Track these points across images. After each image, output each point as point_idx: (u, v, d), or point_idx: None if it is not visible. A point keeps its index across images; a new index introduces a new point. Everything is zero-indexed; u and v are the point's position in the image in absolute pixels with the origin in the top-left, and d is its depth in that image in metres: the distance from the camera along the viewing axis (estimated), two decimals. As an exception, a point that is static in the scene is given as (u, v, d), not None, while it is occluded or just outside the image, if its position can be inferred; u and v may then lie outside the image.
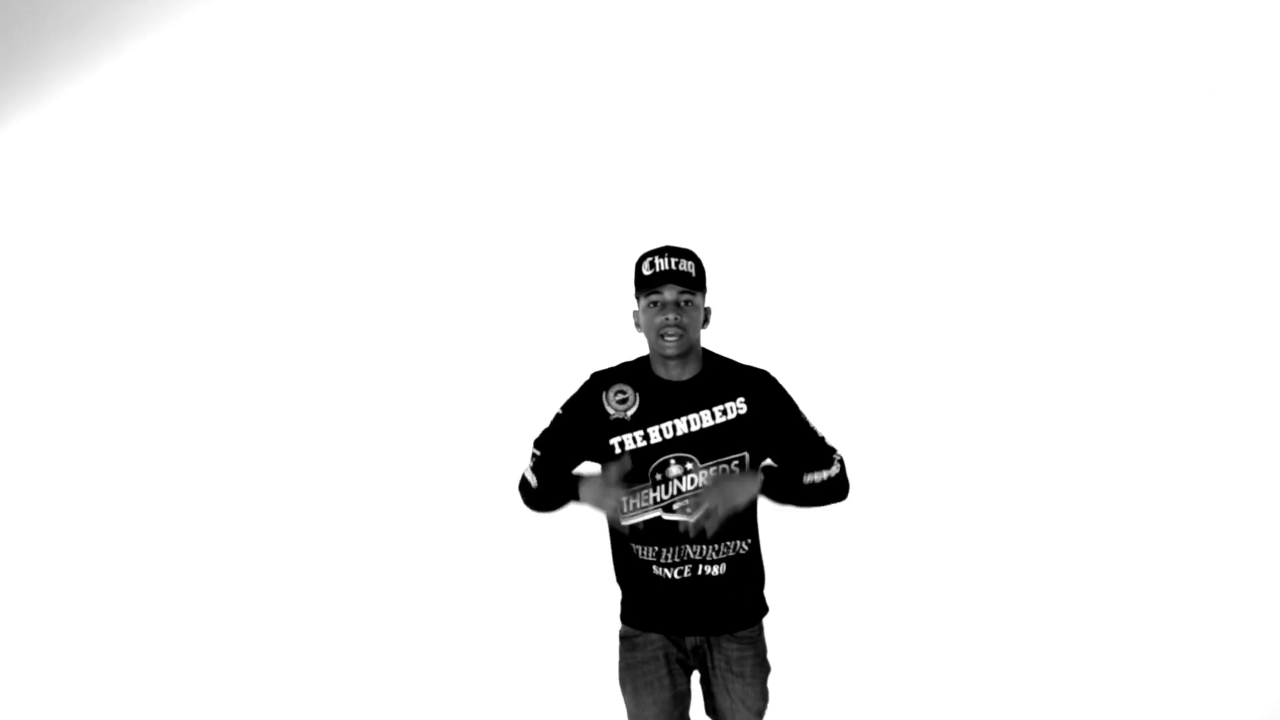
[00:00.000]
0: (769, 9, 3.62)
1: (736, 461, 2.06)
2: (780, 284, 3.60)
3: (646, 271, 2.03)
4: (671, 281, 2.00)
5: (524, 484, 2.17)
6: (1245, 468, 3.46)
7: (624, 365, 2.15)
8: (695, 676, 2.25)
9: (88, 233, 3.91)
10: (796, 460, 2.11)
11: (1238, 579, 3.37)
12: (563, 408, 2.15)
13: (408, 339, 3.78)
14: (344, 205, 3.80)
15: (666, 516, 2.06)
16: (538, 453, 2.15)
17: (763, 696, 2.22)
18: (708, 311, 2.13)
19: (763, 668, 2.21)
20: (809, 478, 2.10)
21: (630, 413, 2.07)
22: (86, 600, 3.68)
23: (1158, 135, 3.50)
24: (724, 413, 2.06)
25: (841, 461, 2.15)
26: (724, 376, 2.10)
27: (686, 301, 2.02)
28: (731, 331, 2.37)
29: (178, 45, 3.85)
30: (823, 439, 2.15)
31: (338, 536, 3.77)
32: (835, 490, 2.13)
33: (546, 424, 2.16)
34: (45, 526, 3.87)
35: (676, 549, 2.07)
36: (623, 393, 2.09)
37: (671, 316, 1.99)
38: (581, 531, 3.61)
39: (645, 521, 2.07)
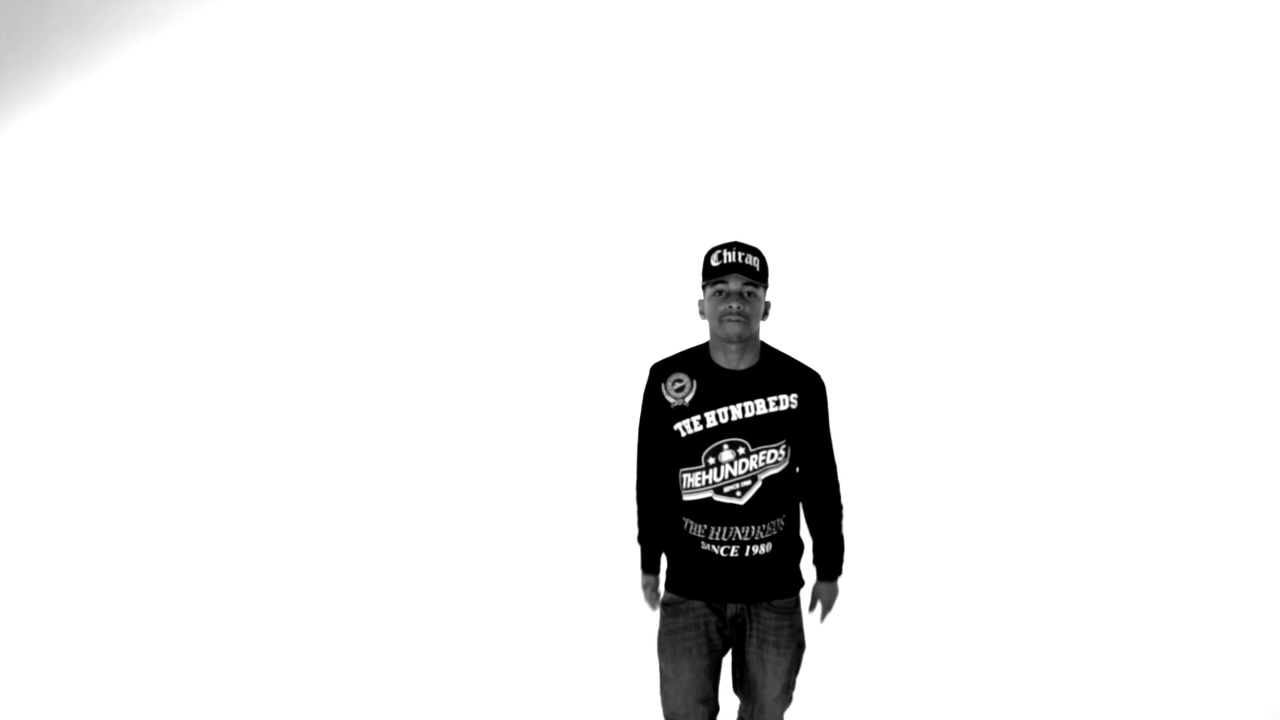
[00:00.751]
0: (791, 8, 3.65)
1: (781, 447, 2.20)
2: (794, 286, 3.64)
3: (715, 263, 2.17)
4: (738, 272, 2.14)
5: (639, 478, 2.38)
6: (1242, 466, 3.48)
7: (682, 354, 2.28)
8: (727, 659, 2.36)
9: (91, 230, 3.90)
10: (803, 459, 2.27)
11: (1234, 577, 3.39)
12: (642, 403, 2.32)
13: (411, 334, 3.79)
14: (349, 201, 3.79)
15: (717, 499, 2.19)
16: (642, 451, 2.34)
17: (793, 670, 2.30)
18: (768, 305, 2.25)
19: (796, 639, 2.30)
20: (840, 533, 2.36)
21: (688, 399, 2.20)
22: (81, 597, 3.67)
23: (1156, 135, 3.53)
24: (777, 404, 2.19)
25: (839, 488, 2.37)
26: (780, 370, 2.24)
27: (749, 292, 2.15)
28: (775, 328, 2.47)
29: (181, 43, 3.85)
30: (833, 457, 2.33)
31: (339, 528, 3.77)
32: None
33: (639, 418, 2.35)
34: (41, 521, 3.86)
35: (725, 529, 2.20)
36: (680, 381, 2.22)
37: (735, 305, 2.13)
38: (581, 532, 3.61)
39: (697, 501, 2.21)
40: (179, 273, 3.88)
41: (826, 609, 2.41)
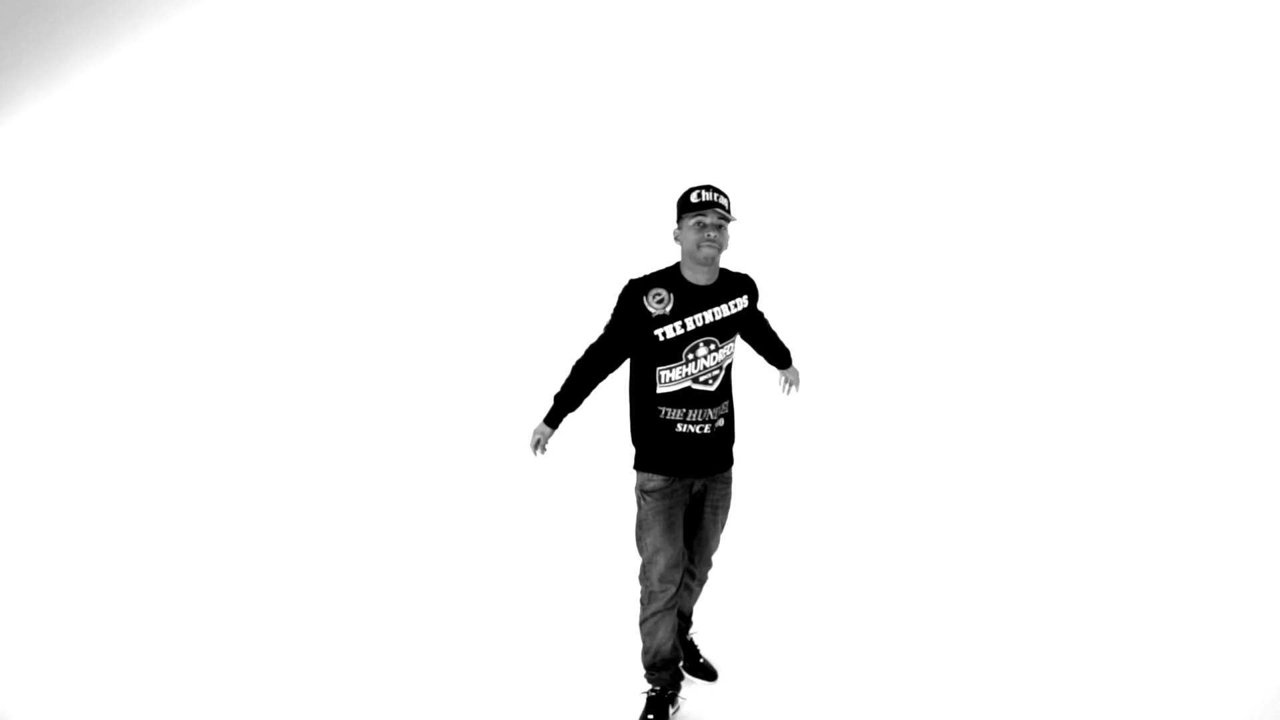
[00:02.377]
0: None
1: (734, 341, 2.78)
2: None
3: (695, 199, 2.68)
4: (714, 208, 2.65)
5: (585, 358, 2.78)
6: (1240, 464, 3.47)
7: (658, 272, 2.74)
8: None
9: (102, 214, 3.92)
10: (755, 338, 3.04)
11: (1217, 575, 3.39)
12: (615, 310, 2.72)
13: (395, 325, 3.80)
14: (364, 187, 3.80)
15: (694, 387, 2.73)
16: (597, 349, 2.75)
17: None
18: (729, 236, 2.78)
19: (728, 502, 2.94)
20: (786, 349, 3.16)
21: (669, 309, 2.68)
22: (69, 590, 3.70)
23: (1152, 135, 3.52)
24: (734, 306, 2.77)
25: None
26: (732, 281, 2.80)
27: (720, 226, 2.68)
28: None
29: (192, 30, 3.85)
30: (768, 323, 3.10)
31: (332, 520, 3.80)
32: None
33: (605, 325, 2.75)
34: (30, 512, 3.88)
35: (700, 411, 2.75)
36: (659, 294, 2.68)
37: (712, 234, 2.65)
38: (571, 529, 3.60)
39: (675, 391, 2.72)
40: (187, 257, 3.90)
41: (796, 381, 3.25)
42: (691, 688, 3.04)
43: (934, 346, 3.69)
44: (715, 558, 3.02)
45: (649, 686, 2.91)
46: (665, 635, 2.84)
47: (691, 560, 2.97)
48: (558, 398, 2.83)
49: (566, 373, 2.80)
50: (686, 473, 2.79)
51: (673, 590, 2.82)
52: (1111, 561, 3.55)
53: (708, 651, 3.23)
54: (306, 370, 3.91)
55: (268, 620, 3.46)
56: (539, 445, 2.84)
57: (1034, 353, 3.67)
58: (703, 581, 3.05)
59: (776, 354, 3.17)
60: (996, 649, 3.18)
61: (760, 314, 3.02)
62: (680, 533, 2.81)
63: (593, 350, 2.79)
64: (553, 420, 2.85)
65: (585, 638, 3.34)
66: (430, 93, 3.82)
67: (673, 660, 2.88)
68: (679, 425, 2.74)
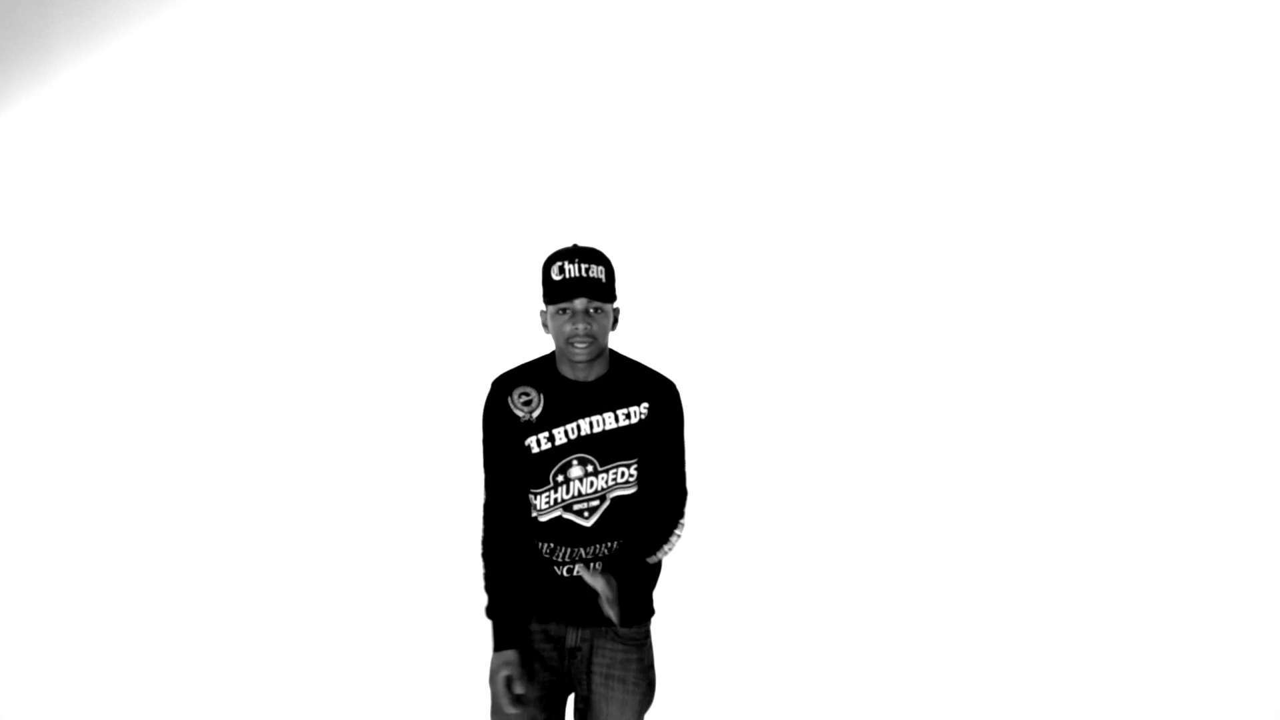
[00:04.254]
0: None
1: (632, 466, 2.08)
2: (695, 286, 3.58)
3: (556, 277, 2.00)
4: (582, 291, 1.97)
5: (486, 541, 2.12)
6: (1240, 464, 3.45)
7: (526, 365, 2.14)
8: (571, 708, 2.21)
9: (92, 216, 3.88)
10: (645, 470, 2.10)
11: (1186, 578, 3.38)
12: (483, 425, 2.13)
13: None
14: (360, 185, 3.75)
15: (565, 516, 2.08)
16: (491, 477, 2.12)
17: (641, 713, 2.14)
18: (616, 313, 2.11)
19: (646, 677, 2.15)
20: (653, 558, 2.11)
21: (535, 414, 2.06)
22: (57, 592, 3.67)
23: (1150, 136, 3.49)
24: (627, 416, 2.07)
25: (682, 520, 2.16)
26: (630, 379, 2.11)
27: (597, 309, 2.00)
28: (644, 334, 2.39)
29: (186, 25, 3.80)
30: (683, 477, 2.16)
31: (319, 525, 3.78)
32: (664, 547, 2.14)
33: (482, 446, 2.14)
34: (17, 514, 3.86)
35: (569, 550, 2.09)
36: (526, 394, 2.08)
37: (581, 327, 1.98)
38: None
39: (546, 522, 2.08)
40: (180, 258, 3.85)
41: (613, 599, 1.99)
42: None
43: (932, 347, 3.66)
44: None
45: None
46: None
47: None
48: (492, 611, 2.05)
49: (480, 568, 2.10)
50: (551, 616, 2.10)
51: None
52: (1108, 562, 3.53)
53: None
54: (297, 368, 3.86)
55: (264, 620, 3.44)
56: (508, 684, 1.98)
57: (1030, 354, 3.64)
58: None
59: (637, 527, 2.11)
60: (987, 653, 3.16)
61: (667, 439, 2.11)
62: (532, 694, 2.05)
63: (490, 507, 2.12)
64: (505, 638, 2.02)
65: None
66: (428, 92, 3.79)
67: None
68: (553, 566, 2.10)
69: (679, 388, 2.15)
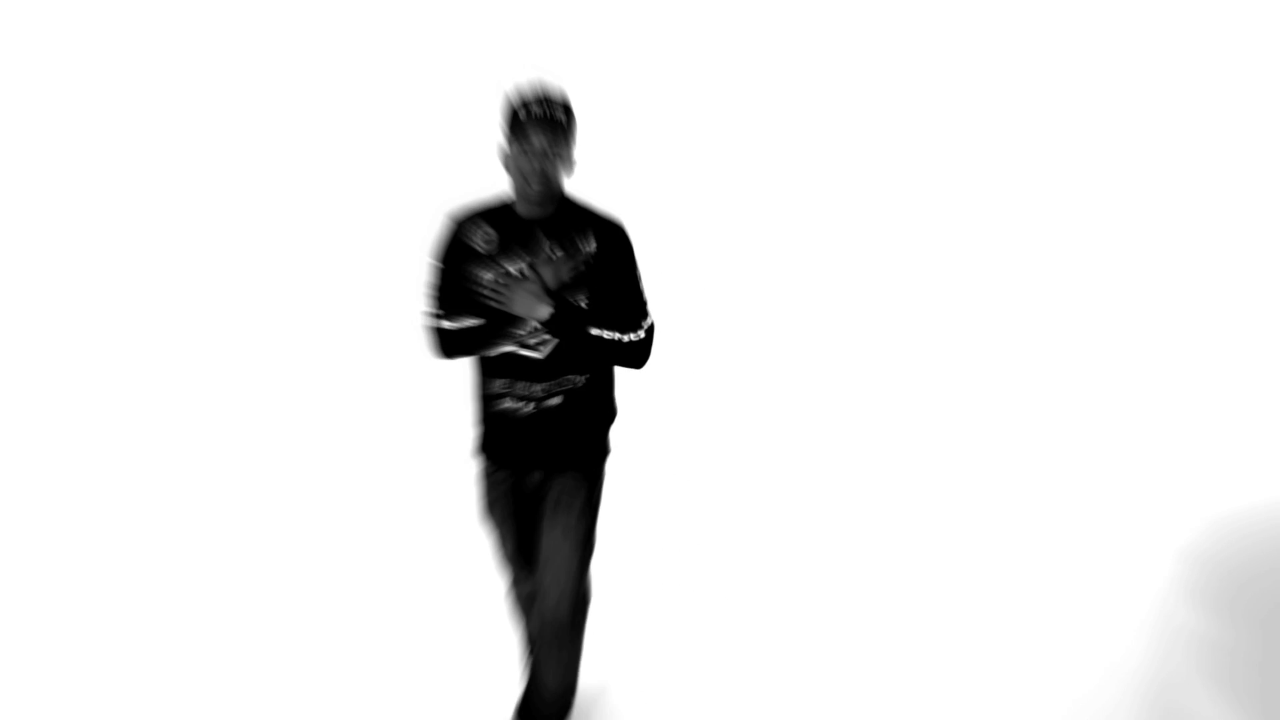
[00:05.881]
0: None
1: (583, 301, 2.10)
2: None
3: (520, 115, 2.03)
4: (544, 131, 2.01)
5: (437, 334, 2.18)
6: (1239, 463, 3.46)
7: (483, 203, 2.18)
8: None
9: (85, 209, 3.81)
10: (610, 312, 2.13)
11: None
12: (437, 256, 2.16)
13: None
14: (353, 182, 3.71)
15: (519, 351, 2.11)
16: (435, 310, 2.16)
17: (585, 547, 2.20)
18: (573, 156, 2.14)
19: (591, 513, 2.22)
20: (598, 332, 2.10)
21: (493, 249, 2.11)
22: (46, 591, 3.62)
23: (1147, 136, 3.49)
24: (579, 249, 2.11)
25: (650, 330, 2.19)
26: (579, 217, 2.14)
27: (556, 153, 2.04)
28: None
29: (178, 21, 3.75)
30: (644, 303, 2.18)
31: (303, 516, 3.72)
32: (626, 355, 2.14)
33: (429, 281, 2.18)
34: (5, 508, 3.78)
35: (525, 384, 2.13)
36: (485, 230, 2.12)
37: (540, 165, 2.03)
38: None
39: (499, 356, 2.12)
40: (171, 251, 3.79)
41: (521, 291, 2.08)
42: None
43: (929, 347, 3.65)
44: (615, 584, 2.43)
45: None
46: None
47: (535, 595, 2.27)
48: (464, 334, 2.15)
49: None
50: (509, 460, 2.20)
51: (523, 619, 2.36)
52: (1106, 562, 3.53)
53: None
54: (286, 364, 3.82)
55: (260, 620, 3.39)
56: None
57: (1025, 355, 3.64)
58: (543, 619, 2.18)
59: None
60: (975, 657, 3.15)
61: (622, 277, 2.13)
62: (522, 531, 2.27)
63: (433, 322, 2.19)
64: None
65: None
66: (420, 87, 3.75)
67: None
68: (503, 400, 2.14)
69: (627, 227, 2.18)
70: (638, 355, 2.16)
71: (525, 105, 2.02)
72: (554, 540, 2.17)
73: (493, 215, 2.14)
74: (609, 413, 2.26)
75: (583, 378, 2.15)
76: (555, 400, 2.13)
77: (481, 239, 2.11)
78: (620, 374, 2.31)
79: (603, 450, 2.25)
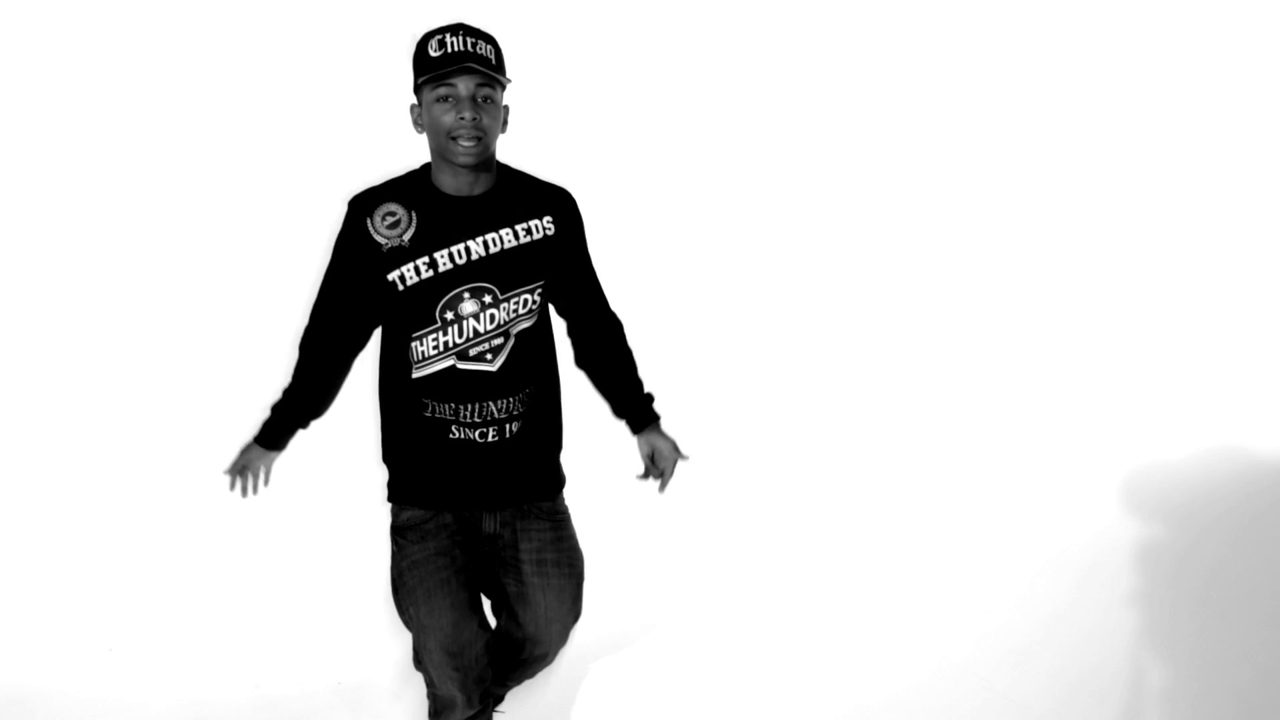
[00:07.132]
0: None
1: (536, 292, 1.71)
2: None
3: (435, 52, 1.57)
4: (468, 70, 1.56)
5: (309, 330, 1.80)
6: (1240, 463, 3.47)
7: (392, 181, 1.72)
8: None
9: (75, 206, 3.82)
10: (570, 299, 1.81)
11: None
12: (334, 251, 1.72)
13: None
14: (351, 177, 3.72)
15: (461, 366, 1.68)
16: (319, 311, 1.77)
17: (579, 599, 1.86)
18: (506, 110, 1.69)
19: (577, 554, 1.86)
20: (639, 374, 1.85)
21: (407, 236, 1.65)
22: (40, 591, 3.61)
23: (1145, 136, 3.50)
24: (528, 232, 1.70)
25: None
26: (525, 191, 1.73)
27: (486, 98, 1.60)
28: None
29: (170, 18, 3.73)
30: (600, 287, 1.87)
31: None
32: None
33: (323, 274, 1.76)
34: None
35: (477, 405, 1.69)
36: (392, 214, 1.66)
37: (468, 115, 1.57)
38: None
39: (435, 374, 1.68)
40: (163, 248, 3.80)
41: (669, 465, 1.78)
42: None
43: (930, 347, 3.66)
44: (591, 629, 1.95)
45: None
46: None
47: (517, 636, 1.88)
48: (282, 407, 1.80)
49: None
50: (459, 503, 1.77)
51: (458, 698, 1.78)
52: (1106, 563, 3.52)
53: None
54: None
55: (260, 620, 3.40)
56: (245, 474, 1.78)
57: (1025, 355, 3.65)
58: (543, 661, 1.92)
59: (606, 366, 1.85)
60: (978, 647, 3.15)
61: (583, 258, 1.81)
62: (460, 599, 1.72)
63: (315, 316, 1.76)
64: (272, 438, 1.79)
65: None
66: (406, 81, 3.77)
67: None
68: (452, 429, 1.71)
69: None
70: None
71: (440, 40, 1.58)
72: (545, 593, 1.80)
73: (404, 193, 1.68)
74: (560, 436, 1.89)
75: (534, 387, 1.78)
76: (517, 427, 1.75)
77: (384, 227, 1.65)
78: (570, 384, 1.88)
79: (562, 480, 1.91)
